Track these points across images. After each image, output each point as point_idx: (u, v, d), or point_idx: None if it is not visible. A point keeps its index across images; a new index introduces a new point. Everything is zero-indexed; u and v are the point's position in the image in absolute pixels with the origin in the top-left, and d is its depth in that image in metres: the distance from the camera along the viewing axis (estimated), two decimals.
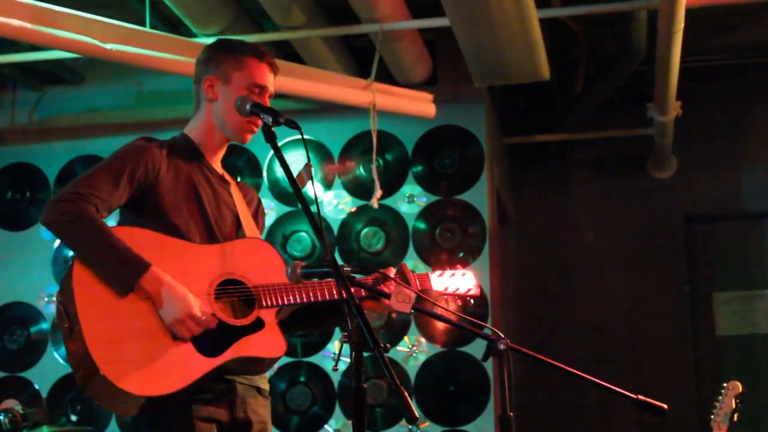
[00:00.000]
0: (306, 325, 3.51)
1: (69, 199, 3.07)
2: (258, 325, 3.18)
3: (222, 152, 3.46)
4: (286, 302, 3.22)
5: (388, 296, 3.01)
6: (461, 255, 6.53)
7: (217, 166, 3.44)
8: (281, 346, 3.21)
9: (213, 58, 3.39)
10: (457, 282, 3.51)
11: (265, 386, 3.35)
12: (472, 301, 3.53)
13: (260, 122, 3.26)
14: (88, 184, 3.12)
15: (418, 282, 3.44)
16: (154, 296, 3.05)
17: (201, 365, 3.06)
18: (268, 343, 3.18)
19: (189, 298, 3.06)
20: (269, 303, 3.20)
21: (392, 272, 3.34)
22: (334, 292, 3.22)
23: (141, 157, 3.21)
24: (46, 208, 3.10)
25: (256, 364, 3.22)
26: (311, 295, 3.24)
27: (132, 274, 3.02)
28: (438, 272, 3.51)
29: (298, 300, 3.23)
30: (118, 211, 3.25)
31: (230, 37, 3.56)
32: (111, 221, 3.17)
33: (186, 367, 3.04)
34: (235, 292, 3.19)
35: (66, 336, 3.03)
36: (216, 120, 3.35)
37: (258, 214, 3.54)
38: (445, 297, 3.52)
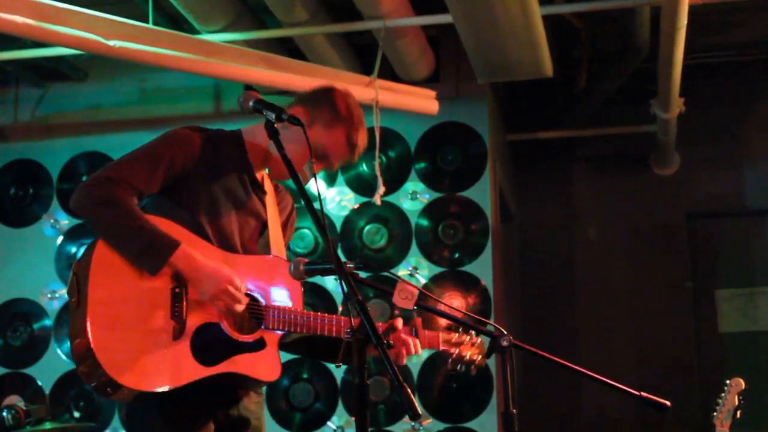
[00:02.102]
0: (305, 353, 3.52)
1: (98, 183, 3.08)
2: (259, 344, 3.19)
3: (267, 165, 3.44)
4: (291, 330, 3.23)
5: (391, 294, 3.01)
6: (457, 255, 6.52)
7: (260, 173, 3.42)
8: (275, 372, 3.22)
9: (317, 98, 3.36)
10: (465, 349, 3.46)
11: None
12: (475, 369, 3.47)
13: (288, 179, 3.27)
14: (122, 169, 3.12)
15: (427, 341, 3.41)
16: (186, 273, 3.05)
17: (192, 371, 3.06)
18: (264, 365, 3.19)
19: (223, 271, 3.07)
20: (274, 327, 3.21)
21: (400, 323, 3.35)
22: (342, 330, 3.24)
23: (182, 148, 3.21)
24: (76, 192, 3.10)
25: (246, 383, 3.23)
26: (318, 328, 3.24)
27: (163, 252, 3.03)
28: (450, 333, 3.47)
29: (304, 331, 3.24)
30: None
31: (347, 89, 3.49)
32: None
33: (178, 369, 3.04)
34: (246, 308, 3.19)
35: (72, 309, 3.04)
36: (270, 148, 3.32)
37: (288, 222, 3.54)
38: (451, 360, 3.46)
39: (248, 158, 3.37)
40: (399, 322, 3.35)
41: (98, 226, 3.10)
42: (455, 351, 3.45)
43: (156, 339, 3.03)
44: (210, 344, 3.10)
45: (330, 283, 6.40)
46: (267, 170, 3.45)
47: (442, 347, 3.44)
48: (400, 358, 3.33)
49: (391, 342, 3.33)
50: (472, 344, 3.49)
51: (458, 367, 3.46)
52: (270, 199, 3.44)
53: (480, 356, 3.48)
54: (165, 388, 3.01)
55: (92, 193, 3.07)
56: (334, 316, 3.27)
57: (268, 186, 3.46)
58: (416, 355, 3.34)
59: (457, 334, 3.47)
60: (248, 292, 3.20)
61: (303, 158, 3.21)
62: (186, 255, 3.06)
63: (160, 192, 3.21)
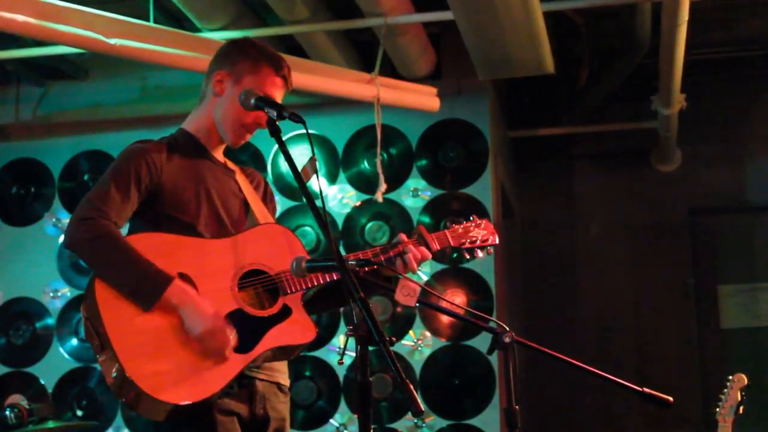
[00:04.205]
0: (329, 305, 3.52)
1: (88, 217, 3.08)
2: (285, 312, 3.19)
3: (224, 145, 3.45)
4: (309, 285, 3.23)
5: (393, 289, 3.01)
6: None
7: (219, 156, 3.44)
8: (311, 331, 3.23)
9: (230, 55, 3.39)
10: (475, 234, 3.49)
11: (286, 382, 3.38)
12: (492, 249, 3.49)
13: (254, 130, 3.33)
14: (102, 198, 3.12)
15: (437, 242, 3.43)
16: (180, 308, 3.05)
17: (236, 363, 3.08)
18: (298, 329, 3.21)
19: (211, 313, 3.06)
20: (293, 288, 3.22)
21: (405, 237, 3.35)
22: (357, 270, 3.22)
23: (141, 160, 3.21)
24: (67, 230, 3.12)
25: (288, 352, 3.25)
26: (334, 274, 3.24)
27: (155, 290, 3.03)
28: (454, 227, 3.49)
29: (321, 281, 3.24)
30: None
31: (246, 36, 3.55)
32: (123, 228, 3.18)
33: (222, 367, 3.05)
34: (258, 282, 3.20)
35: (97, 352, 3.04)
36: (215, 116, 3.35)
37: (267, 197, 3.54)
38: (465, 250, 3.48)
39: (202, 145, 3.38)
40: (403, 236, 3.36)
41: (93, 263, 3.11)
42: (466, 241, 3.46)
43: (188, 348, 3.04)
44: (240, 332, 3.11)
45: None
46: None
47: (453, 243, 3.45)
48: (412, 267, 3.33)
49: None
50: (478, 226, 3.50)
51: (476, 254, 3.47)
52: (240, 177, 3.45)
53: (491, 235, 3.49)
54: (219, 389, 3.03)
55: (82, 230, 3.08)
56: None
57: (233, 167, 3.48)
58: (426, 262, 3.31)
59: (461, 226, 3.48)
60: (254, 267, 3.21)
61: (243, 116, 3.28)
62: (179, 290, 3.05)
63: (141, 210, 3.22)
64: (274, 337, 3.15)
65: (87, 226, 3.07)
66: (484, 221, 3.54)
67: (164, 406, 2.97)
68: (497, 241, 3.53)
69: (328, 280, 3.25)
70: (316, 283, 3.24)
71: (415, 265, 3.35)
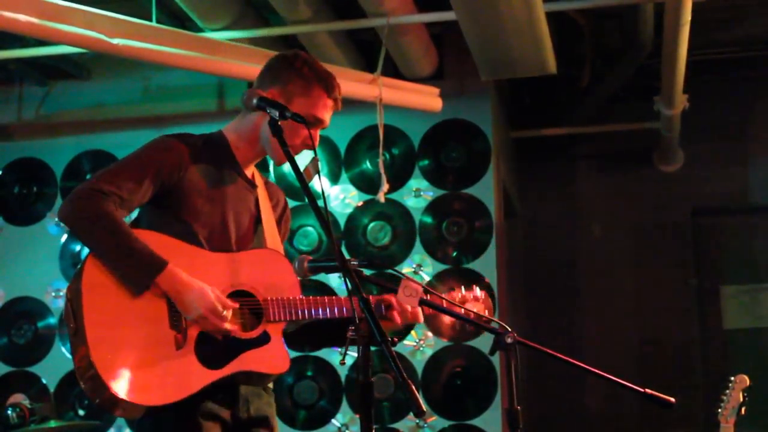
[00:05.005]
0: (313, 342, 3.50)
1: (87, 196, 3.04)
2: (263, 339, 3.16)
3: (257, 161, 3.41)
4: (293, 318, 3.20)
5: (395, 291, 3.01)
6: (461, 253, 6.52)
7: (249, 170, 3.39)
8: (284, 363, 3.20)
9: (282, 73, 3.32)
10: (469, 307, 3.39)
11: (270, 383, 3.35)
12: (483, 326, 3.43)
13: (300, 151, 3.27)
14: (109, 180, 3.08)
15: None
16: (171, 294, 3.03)
17: (201, 377, 3.05)
18: (272, 358, 3.17)
19: (208, 293, 3.04)
20: (276, 317, 3.18)
21: (394, 300, 3.30)
22: (344, 309, 3.20)
23: (167, 157, 3.17)
24: (64, 203, 3.07)
25: (257, 378, 3.21)
26: (320, 311, 3.21)
27: (148, 274, 3.01)
28: (453, 293, 3.44)
29: (306, 316, 3.21)
30: None
31: (296, 51, 3.48)
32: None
33: (186, 378, 3.03)
34: (244, 304, 3.17)
35: (71, 336, 3.02)
36: (262, 134, 3.28)
37: (283, 218, 3.52)
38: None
39: (235, 157, 3.34)
40: (393, 299, 3.28)
41: (86, 240, 3.09)
42: (461, 311, 3.39)
43: (159, 352, 3.02)
44: (214, 347, 3.08)
45: (334, 280, 6.40)
46: (269, 161, 3.43)
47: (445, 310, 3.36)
48: (396, 322, 3.30)
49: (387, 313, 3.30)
50: (476, 299, 3.45)
51: (466, 326, 3.43)
52: (261, 193, 3.41)
53: (487, 310, 3.42)
54: (177, 399, 3.01)
55: (80, 206, 3.04)
56: (334, 297, 3.25)
57: (258, 181, 3.44)
58: (420, 324, 3.27)
59: (461, 295, 3.43)
60: (243, 288, 3.18)
61: (292, 138, 3.22)
62: (172, 276, 3.03)
63: (153, 202, 3.18)
64: (246, 361, 3.12)
65: (84, 204, 3.03)
66: (483, 294, 3.47)
67: (122, 403, 2.95)
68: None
69: (313, 317, 3.21)
70: (300, 317, 3.21)
71: (399, 321, 3.31)
